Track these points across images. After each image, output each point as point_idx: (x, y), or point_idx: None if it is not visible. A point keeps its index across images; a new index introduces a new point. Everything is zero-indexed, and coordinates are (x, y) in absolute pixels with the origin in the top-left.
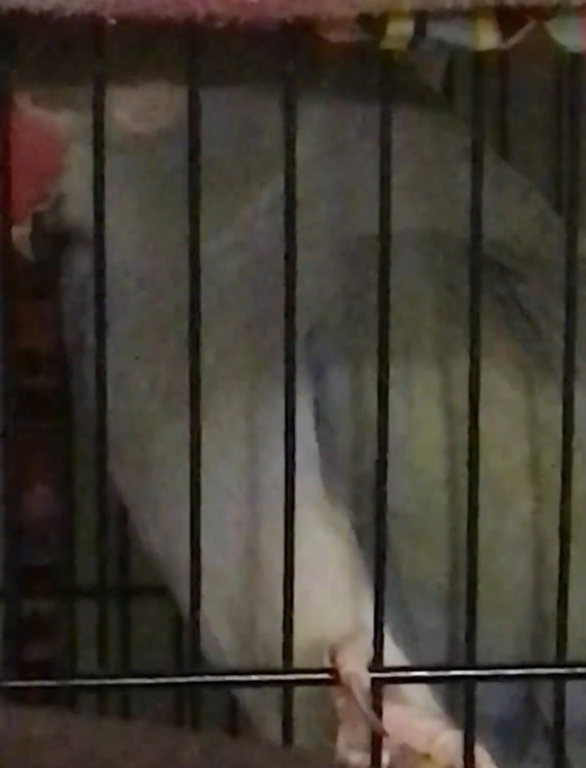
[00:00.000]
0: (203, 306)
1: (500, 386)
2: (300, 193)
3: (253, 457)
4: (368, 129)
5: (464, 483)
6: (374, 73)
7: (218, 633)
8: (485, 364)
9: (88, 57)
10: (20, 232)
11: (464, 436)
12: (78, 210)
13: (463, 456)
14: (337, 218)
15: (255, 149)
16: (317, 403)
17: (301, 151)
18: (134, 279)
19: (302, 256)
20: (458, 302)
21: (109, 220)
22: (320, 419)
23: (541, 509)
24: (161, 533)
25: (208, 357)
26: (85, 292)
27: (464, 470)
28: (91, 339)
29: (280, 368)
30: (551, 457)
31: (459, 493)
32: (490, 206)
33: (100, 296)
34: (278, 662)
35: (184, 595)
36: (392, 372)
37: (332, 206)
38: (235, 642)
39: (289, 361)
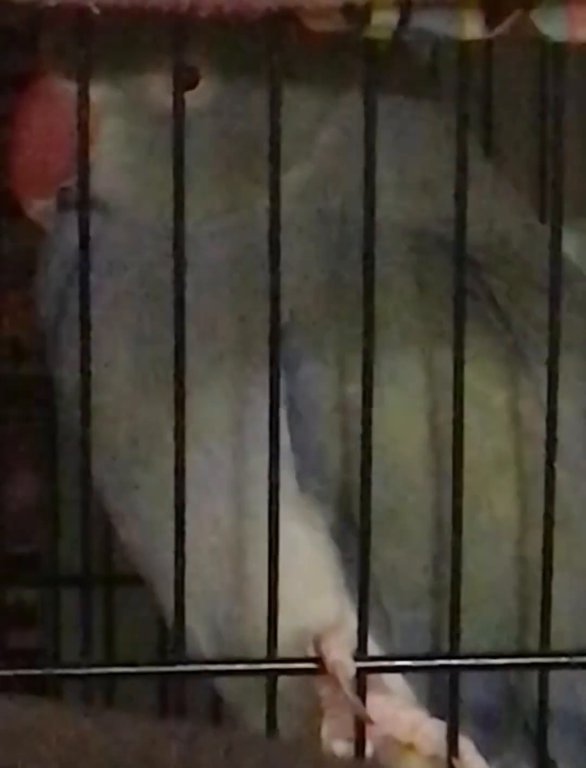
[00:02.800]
0: (191, 286)
1: (471, 380)
2: (313, 180)
3: (231, 450)
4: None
5: (437, 477)
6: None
7: (195, 627)
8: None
9: (121, 32)
10: (45, 206)
11: (437, 430)
12: (106, 182)
13: (436, 450)
14: (332, 210)
15: (300, 106)
16: (289, 398)
17: (326, 135)
18: (147, 250)
19: (294, 246)
20: (431, 297)
21: (136, 190)
22: (292, 414)
23: (515, 501)
24: (138, 524)
25: (189, 344)
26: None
27: (437, 464)
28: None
29: (260, 360)
30: (525, 449)
31: (433, 487)
32: (473, 207)
33: (84, 272)
34: (255, 655)
35: (162, 586)
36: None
37: (333, 197)
38: (213, 636)
39: (274, 356)
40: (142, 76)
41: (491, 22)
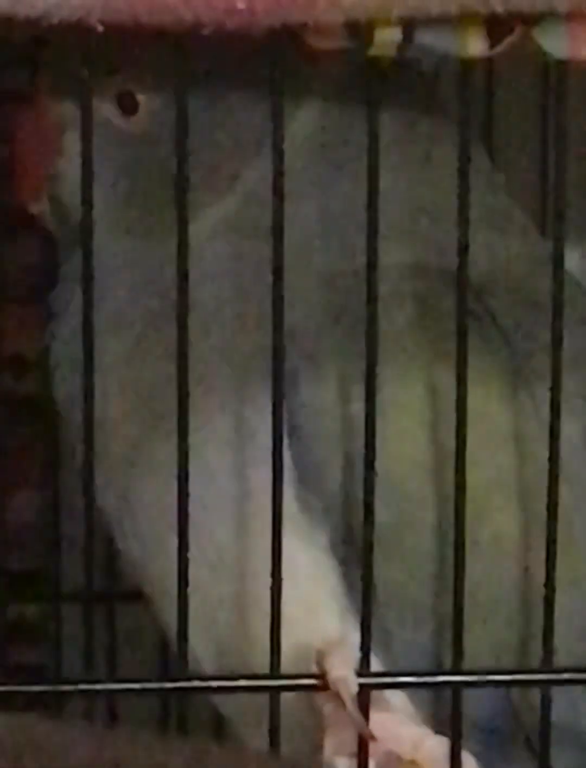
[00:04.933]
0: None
1: (471, 399)
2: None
3: (231, 467)
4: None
5: (438, 496)
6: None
7: (196, 644)
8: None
9: (75, 53)
10: (41, 208)
11: (437, 449)
12: (68, 192)
13: (437, 469)
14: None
15: (230, 138)
16: (289, 417)
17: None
18: (113, 268)
19: (304, 264)
20: (431, 316)
21: (98, 204)
22: (292, 432)
23: (517, 519)
24: (138, 540)
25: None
26: (73, 291)
27: (438, 483)
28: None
29: (260, 377)
30: (526, 468)
31: (434, 506)
32: (479, 240)
33: (87, 280)
34: (255, 671)
35: (162, 602)
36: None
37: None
38: (214, 653)
39: (277, 375)
40: (94, 97)
41: (493, 39)
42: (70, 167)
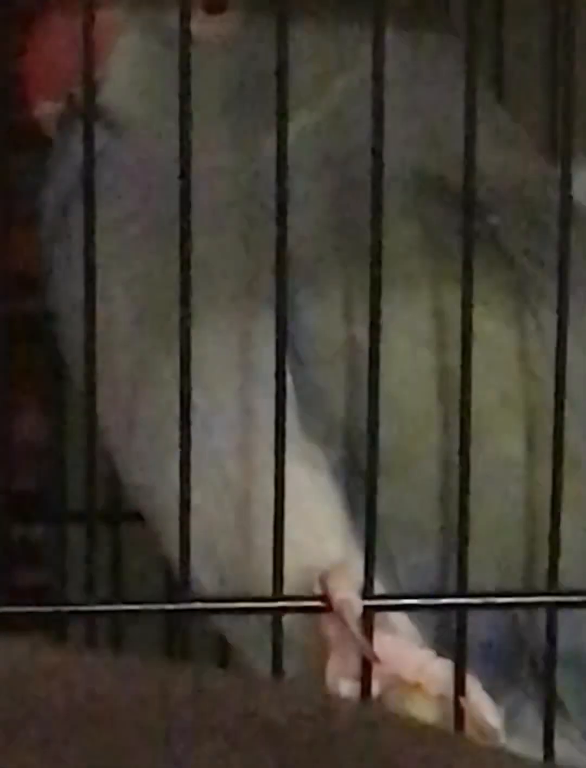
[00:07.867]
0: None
1: (476, 320)
2: (323, 124)
3: (233, 389)
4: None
5: (442, 418)
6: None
7: (197, 567)
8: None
9: None
10: (50, 109)
11: (441, 370)
12: (115, 95)
13: (441, 391)
14: (340, 154)
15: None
16: (291, 340)
17: (344, 81)
18: (151, 174)
19: (298, 188)
20: (434, 237)
21: (145, 110)
22: (294, 356)
23: (521, 441)
24: (138, 461)
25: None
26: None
27: (442, 405)
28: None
29: (263, 299)
30: (531, 390)
31: (438, 428)
32: (485, 156)
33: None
34: (256, 593)
35: (163, 525)
36: (366, 306)
37: (343, 142)
38: (215, 576)
39: (281, 298)
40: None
41: None
42: (122, 69)
